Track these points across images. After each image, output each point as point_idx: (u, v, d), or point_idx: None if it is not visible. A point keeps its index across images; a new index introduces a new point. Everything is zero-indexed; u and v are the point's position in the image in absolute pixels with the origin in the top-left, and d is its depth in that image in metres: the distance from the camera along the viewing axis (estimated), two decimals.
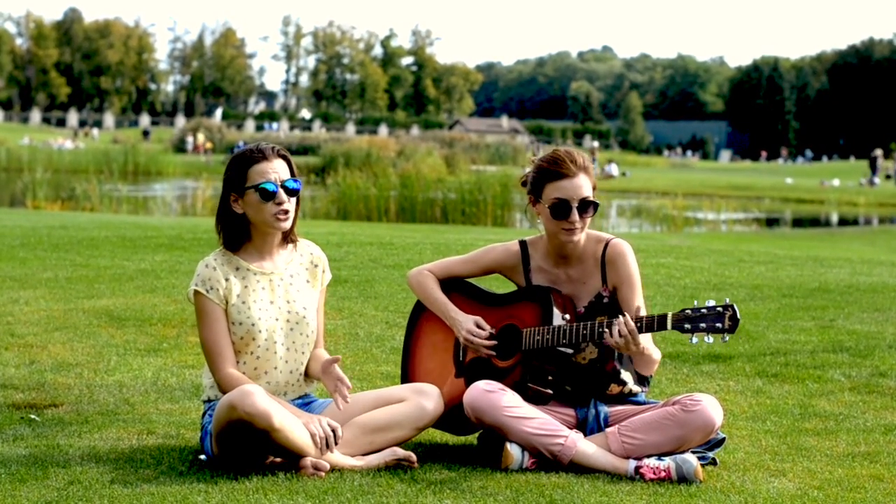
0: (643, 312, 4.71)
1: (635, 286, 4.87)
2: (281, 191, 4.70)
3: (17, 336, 7.48)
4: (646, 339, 4.66)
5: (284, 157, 4.78)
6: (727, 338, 4.50)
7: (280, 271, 4.84)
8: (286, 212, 4.73)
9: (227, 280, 4.73)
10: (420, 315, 5.26)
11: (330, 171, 37.88)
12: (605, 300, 4.91)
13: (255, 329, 4.73)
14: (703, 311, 4.52)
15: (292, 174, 4.77)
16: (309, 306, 4.87)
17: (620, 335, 4.55)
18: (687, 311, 4.55)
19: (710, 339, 4.49)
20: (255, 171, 4.70)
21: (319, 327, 4.97)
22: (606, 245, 4.92)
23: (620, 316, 4.60)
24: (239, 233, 4.80)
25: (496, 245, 5.15)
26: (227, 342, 4.72)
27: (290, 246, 4.91)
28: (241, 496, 4.14)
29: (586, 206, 4.84)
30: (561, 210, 4.84)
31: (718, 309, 4.51)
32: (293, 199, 4.77)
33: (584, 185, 4.84)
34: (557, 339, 4.75)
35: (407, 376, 5.22)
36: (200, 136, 65.88)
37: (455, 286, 5.16)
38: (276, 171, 4.72)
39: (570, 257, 4.95)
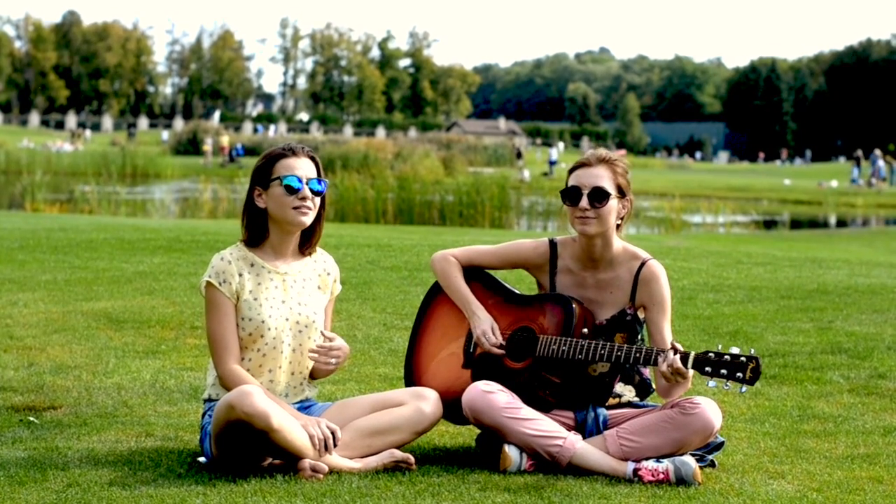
0: (669, 338, 4.73)
1: (666, 310, 4.85)
2: (305, 187, 4.74)
3: (16, 338, 7.48)
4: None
5: (313, 159, 4.85)
6: (745, 389, 4.48)
7: (294, 273, 4.86)
8: (308, 207, 4.76)
9: (240, 275, 4.76)
10: (435, 298, 5.22)
11: (327, 172, 37.76)
12: (629, 318, 4.89)
13: (265, 326, 4.74)
14: (726, 357, 4.49)
15: (319, 176, 4.80)
16: (319, 311, 4.89)
17: (668, 368, 4.54)
18: (710, 353, 4.52)
19: (728, 386, 4.47)
20: (282, 166, 4.78)
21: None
22: (643, 264, 4.90)
23: (670, 352, 4.57)
24: (259, 228, 4.83)
25: (525, 241, 5.11)
26: (234, 337, 4.73)
27: (308, 256, 4.93)
28: (239, 498, 4.14)
29: (599, 195, 4.81)
30: (572, 195, 4.85)
31: (742, 359, 4.48)
32: (317, 200, 4.80)
33: (601, 176, 4.84)
34: (573, 352, 4.72)
35: (413, 358, 5.19)
36: (225, 139, 65.83)
37: (476, 275, 5.13)
38: (302, 168, 4.76)
39: (599, 261, 4.92)
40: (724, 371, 4.48)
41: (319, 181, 4.81)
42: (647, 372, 4.94)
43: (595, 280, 4.93)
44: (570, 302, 4.84)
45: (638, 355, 4.64)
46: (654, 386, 4.95)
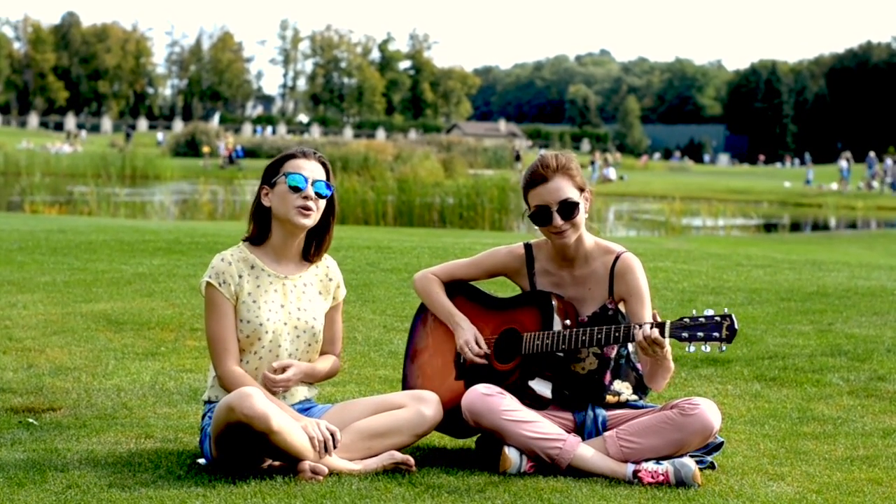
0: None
1: (644, 299, 4.86)
2: (310, 187, 4.74)
3: (15, 340, 7.48)
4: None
5: (323, 164, 4.86)
6: (724, 347, 4.50)
7: (294, 278, 4.86)
8: (309, 208, 4.76)
9: (240, 277, 4.77)
10: (423, 316, 5.27)
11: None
12: (611, 312, 4.90)
13: (262, 329, 4.74)
14: (700, 319, 4.52)
15: (327, 180, 4.81)
16: (319, 317, 4.89)
17: (646, 340, 4.55)
18: (685, 319, 4.55)
19: (707, 348, 4.49)
20: (290, 165, 4.80)
21: (336, 336, 5.00)
22: (617, 257, 4.91)
23: (647, 324, 4.60)
24: (263, 227, 4.84)
25: (500, 248, 5.14)
26: (233, 338, 4.73)
27: (313, 264, 4.93)
28: (239, 500, 4.14)
29: (568, 208, 4.82)
30: (542, 216, 4.85)
31: (716, 318, 4.50)
32: (321, 204, 4.80)
33: (562, 188, 4.83)
34: (557, 344, 4.75)
35: (407, 377, 5.22)
36: (230, 140, 66.22)
37: (459, 289, 5.17)
38: (310, 169, 4.77)
39: (573, 259, 4.94)
40: (700, 334, 4.49)
41: (327, 186, 4.81)
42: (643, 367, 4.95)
43: (572, 278, 4.96)
44: (549, 296, 4.87)
45: (617, 334, 4.67)
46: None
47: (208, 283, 4.75)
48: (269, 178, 4.83)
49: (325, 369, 4.94)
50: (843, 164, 55.81)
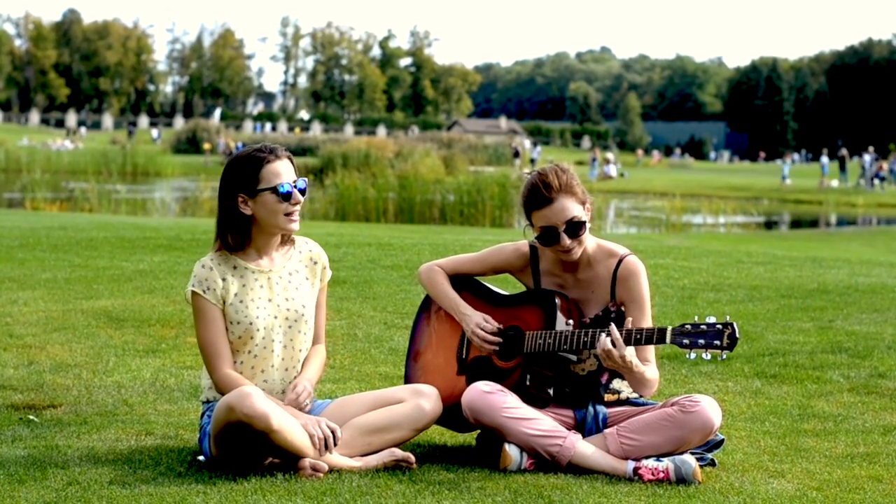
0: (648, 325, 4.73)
1: (644, 306, 4.85)
2: (296, 191, 4.71)
3: (16, 337, 7.48)
4: (634, 356, 4.63)
5: (290, 159, 4.80)
6: (724, 356, 4.50)
7: (278, 269, 4.84)
8: (298, 212, 4.74)
9: (223, 280, 4.72)
10: (425, 313, 5.26)
11: (328, 171, 37.97)
12: (613, 315, 4.90)
13: (253, 328, 4.72)
14: (702, 327, 4.52)
15: (297, 175, 4.80)
16: (308, 304, 4.87)
17: (603, 349, 4.56)
18: (686, 325, 4.54)
19: (707, 355, 4.49)
20: (270, 172, 4.68)
21: (319, 323, 4.97)
22: (620, 261, 4.90)
23: (603, 334, 4.60)
24: (244, 235, 4.77)
25: (507, 245, 5.11)
26: (225, 342, 4.70)
27: (288, 245, 4.91)
28: (239, 497, 4.14)
29: (575, 227, 4.79)
30: (549, 237, 4.82)
31: (718, 326, 4.50)
32: (301, 200, 4.79)
33: (567, 208, 4.77)
34: (559, 344, 4.74)
35: (409, 373, 5.21)
36: (232, 143, 66.59)
37: (464, 284, 5.15)
38: (288, 172, 4.73)
39: (577, 263, 4.93)
40: (701, 341, 4.50)
41: (302, 181, 4.78)
42: None
43: (575, 281, 4.95)
44: (553, 296, 4.86)
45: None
46: None
47: (194, 292, 4.71)
48: (246, 186, 4.68)
49: (320, 365, 4.93)
50: (823, 160, 56.12)
